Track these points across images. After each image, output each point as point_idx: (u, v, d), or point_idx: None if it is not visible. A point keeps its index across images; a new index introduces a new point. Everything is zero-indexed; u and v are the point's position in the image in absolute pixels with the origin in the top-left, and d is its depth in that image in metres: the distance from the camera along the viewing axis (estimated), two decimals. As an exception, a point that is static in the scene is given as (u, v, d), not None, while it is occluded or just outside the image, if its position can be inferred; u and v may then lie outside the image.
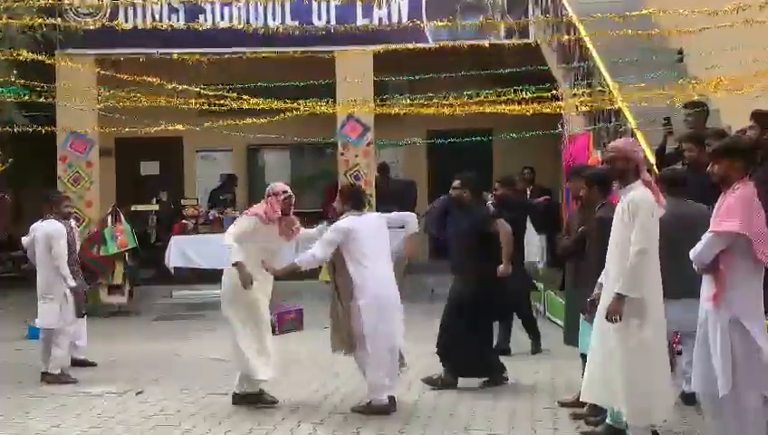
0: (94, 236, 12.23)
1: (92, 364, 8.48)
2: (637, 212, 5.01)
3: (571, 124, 11.48)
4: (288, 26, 12.40)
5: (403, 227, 7.10)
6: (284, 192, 6.82)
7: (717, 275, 4.50)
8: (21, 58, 9.44)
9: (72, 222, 8.78)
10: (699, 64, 10.56)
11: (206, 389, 7.27)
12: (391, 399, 6.45)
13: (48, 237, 7.91)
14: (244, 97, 10.55)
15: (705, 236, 4.61)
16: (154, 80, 10.23)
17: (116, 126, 12.17)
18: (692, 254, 4.67)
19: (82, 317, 8.33)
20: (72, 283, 7.94)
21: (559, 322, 9.66)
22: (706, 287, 4.61)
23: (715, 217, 4.59)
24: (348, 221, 6.53)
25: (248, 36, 12.24)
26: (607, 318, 5.03)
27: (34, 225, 8.18)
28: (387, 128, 13.55)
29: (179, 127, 11.17)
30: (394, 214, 7.04)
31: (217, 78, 11.19)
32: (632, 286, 4.96)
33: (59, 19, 11.21)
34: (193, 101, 10.94)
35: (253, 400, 6.69)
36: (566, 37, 11.23)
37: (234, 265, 6.46)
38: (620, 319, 4.99)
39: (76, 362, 8.38)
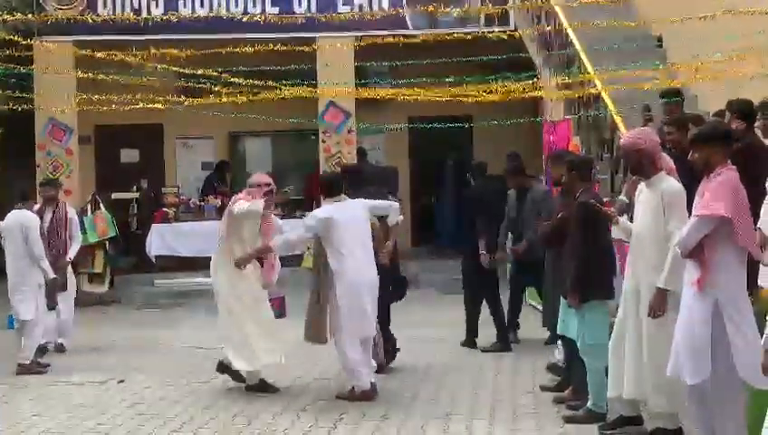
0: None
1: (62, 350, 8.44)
2: (674, 206, 5.03)
3: (551, 111, 11.52)
4: (269, 14, 12.33)
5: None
6: (267, 184, 6.83)
7: (701, 259, 4.53)
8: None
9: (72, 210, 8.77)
10: (679, 52, 10.63)
11: (188, 377, 7.26)
12: (373, 385, 6.48)
13: (22, 227, 7.82)
14: (225, 76, 10.50)
15: (690, 221, 4.63)
16: (132, 60, 10.16)
17: (96, 107, 12.05)
18: (677, 238, 4.69)
19: (52, 310, 8.16)
20: (51, 274, 7.88)
21: (535, 304, 9.78)
22: (690, 272, 4.64)
23: (699, 201, 4.62)
24: (325, 210, 6.54)
25: (228, 23, 12.18)
26: (650, 314, 5.01)
27: (9, 214, 8.08)
28: (368, 114, 13.51)
29: (159, 106, 11.06)
30: (378, 202, 6.99)
31: (197, 65, 11.11)
32: (674, 280, 4.94)
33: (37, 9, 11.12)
34: (174, 82, 10.87)
35: (256, 388, 6.74)
36: (547, 28, 11.24)
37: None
38: (663, 314, 4.99)
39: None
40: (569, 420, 5.72)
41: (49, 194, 8.74)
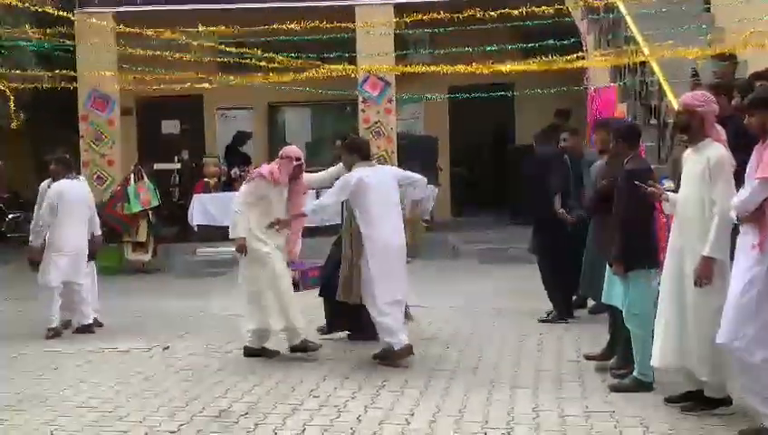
0: (118, 194, 12.29)
1: (100, 325, 8.40)
2: (720, 172, 4.91)
3: (596, 78, 11.30)
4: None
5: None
6: (297, 159, 6.87)
7: (762, 222, 4.45)
8: (42, 10, 9.39)
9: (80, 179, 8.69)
10: (727, 15, 10.34)
11: (231, 344, 7.31)
12: (409, 344, 6.51)
13: (89, 196, 8.29)
14: (265, 55, 10.45)
15: (751, 184, 4.55)
16: (174, 35, 10.16)
17: (136, 85, 12.11)
18: (735, 201, 4.61)
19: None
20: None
21: None
22: (747, 235, 4.56)
23: (756, 165, 4.53)
24: (358, 171, 6.55)
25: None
26: (696, 283, 4.92)
27: (63, 183, 8.16)
28: (408, 83, 13.42)
29: (202, 85, 11.10)
30: (410, 173, 6.95)
31: (236, 33, 11.09)
32: (720, 248, 4.88)
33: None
34: (211, 58, 10.85)
35: (268, 354, 6.85)
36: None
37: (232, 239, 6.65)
38: (710, 282, 4.90)
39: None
40: (615, 388, 5.65)
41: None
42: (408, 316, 6.96)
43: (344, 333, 7.48)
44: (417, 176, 6.98)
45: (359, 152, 6.71)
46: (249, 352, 6.89)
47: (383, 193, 6.51)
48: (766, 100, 4.65)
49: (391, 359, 6.46)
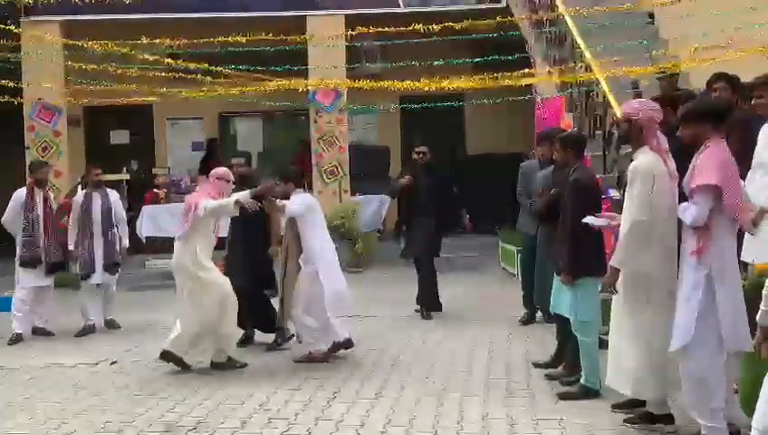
0: (64, 205, 12.04)
1: (50, 334, 8.54)
2: (634, 180, 4.80)
3: (543, 89, 11.47)
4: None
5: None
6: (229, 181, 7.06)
7: (700, 229, 4.50)
8: None
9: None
10: (670, 28, 10.58)
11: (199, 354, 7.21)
12: (335, 345, 7.03)
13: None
14: (212, 69, 10.40)
15: (694, 196, 4.51)
16: (120, 48, 10.06)
17: (85, 97, 11.95)
18: (684, 214, 4.57)
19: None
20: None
21: (510, 269, 9.67)
22: (687, 242, 4.57)
23: (691, 176, 4.59)
24: (307, 196, 7.26)
25: (219, 2, 12.03)
26: (602, 290, 4.95)
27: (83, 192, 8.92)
28: (359, 93, 13.45)
29: (152, 98, 11.00)
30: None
31: (186, 44, 11.01)
32: (625, 259, 4.82)
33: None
34: (156, 73, 10.76)
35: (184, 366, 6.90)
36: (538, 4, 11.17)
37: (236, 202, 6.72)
38: (615, 291, 4.92)
39: (36, 331, 8.54)
40: (563, 396, 5.72)
41: (42, 176, 8.78)
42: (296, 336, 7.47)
43: (293, 345, 7.47)
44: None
45: (296, 181, 7.31)
46: (167, 357, 6.87)
47: (320, 213, 7.21)
48: (697, 113, 4.68)
49: (306, 361, 6.95)
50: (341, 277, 7.10)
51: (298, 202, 7.04)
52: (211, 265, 6.91)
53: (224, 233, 7.71)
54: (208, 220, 6.86)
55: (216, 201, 6.80)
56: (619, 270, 4.88)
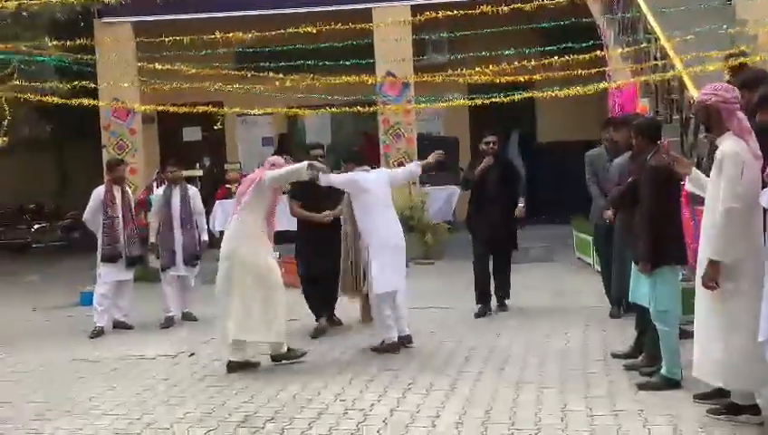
0: (141, 202, 12.34)
1: (130, 327, 8.74)
2: (724, 167, 4.62)
3: (617, 74, 11.22)
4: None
5: None
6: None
7: None
8: (60, 18, 9.46)
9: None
10: (747, 8, 10.23)
11: (256, 350, 7.30)
12: (407, 337, 7.06)
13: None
14: (283, 77, 10.47)
15: None
16: (192, 42, 10.21)
17: (157, 101, 12.19)
18: (766, 200, 4.41)
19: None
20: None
21: (586, 259, 9.44)
22: None
23: None
24: (356, 173, 7.29)
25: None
26: (704, 285, 4.75)
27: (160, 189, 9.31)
28: (427, 84, 13.38)
29: (220, 93, 11.12)
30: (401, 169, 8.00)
31: (259, 36, 11.11)
32: (724, 249, 4.63)
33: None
34: (228, 71, 10.92)
35: (249, 365, 6.74)
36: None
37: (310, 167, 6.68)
38: (718, 285, 4.70)
39: (117, 325, 8.76)
40: (642, 386, 5.60)
41: (119, 173, 9.03)
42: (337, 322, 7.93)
43: (365, 337, 7.48)
44: (400, 171, 7.88)
45: (354, 160, 7.53)
46: (233, 367, 6.72)
47: (377, 192, 7.12)
48: None
49: (377, 350, 6.99)
50: (393, 257, 6.99)
51: (342, 176, 7.20)
52: (266, 249, 6.76)
53: (281, 226, 7.61)
54: (265, 199, 6.73)
55: (284, 168, 6.77)
56: (719, 262, 4.67)
